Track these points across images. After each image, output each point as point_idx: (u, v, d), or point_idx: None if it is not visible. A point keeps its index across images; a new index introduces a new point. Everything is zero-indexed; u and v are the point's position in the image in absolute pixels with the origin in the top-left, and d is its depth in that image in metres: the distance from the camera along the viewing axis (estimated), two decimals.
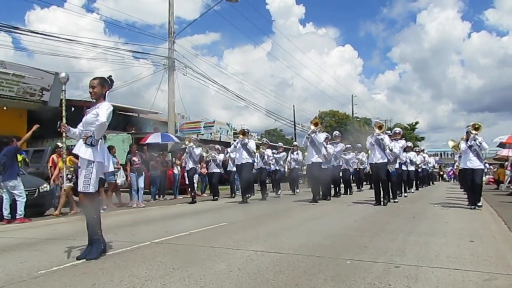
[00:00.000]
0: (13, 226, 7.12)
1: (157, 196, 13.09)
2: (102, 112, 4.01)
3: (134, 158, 10.64)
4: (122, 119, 27.63)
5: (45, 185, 8.74)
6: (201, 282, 3.02)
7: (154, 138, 16.77)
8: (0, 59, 15.32)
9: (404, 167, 12.11)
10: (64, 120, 4.51)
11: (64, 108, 4.64)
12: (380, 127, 9.40)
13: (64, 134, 4.32)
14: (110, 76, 4.32)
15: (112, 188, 10.43)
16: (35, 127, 7.67)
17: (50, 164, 9.30)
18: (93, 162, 3.99)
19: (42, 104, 16.49)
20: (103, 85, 4.18)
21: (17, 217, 7.51)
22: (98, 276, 3.27)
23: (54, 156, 9.35)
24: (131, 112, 28.42)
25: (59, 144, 9.76)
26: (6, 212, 7.54)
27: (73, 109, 23.26)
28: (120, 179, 10.33)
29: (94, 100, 4.24)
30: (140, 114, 28.66)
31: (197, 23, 52.43)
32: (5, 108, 15.15)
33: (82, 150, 4.00)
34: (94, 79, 4.20)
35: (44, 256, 4.15)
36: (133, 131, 23.34)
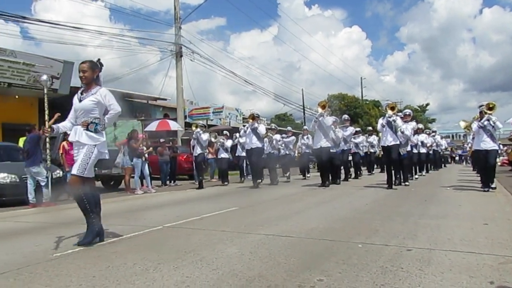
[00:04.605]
0: (27, 210, 7.28)
1: (168, 182, 13.20)
2: (113, 101, 3.97)
3: (134, 145, 10.57)
4: (131, 106, 27.74)
5: (57, 171, 8.87)
6: (213, 265, 3.04)
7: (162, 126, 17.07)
8: (10, 49, 15.38)
9: (415, 150, 12.01)
10: (47, 124, 4.38)
11: (47, 107, 4.46)
12: (392, 108, 9.23)
13: (48, 135, 4.22)
14: (99, 59, 4.21)
15: (130, 173, 10.55)
16: (56, 115, 7.82)
17: (61, 151, 9.41)
18: (95, 147, 3.92)
19: (52, 92, 16.54)
20: (93, 68, 4.05)
21: (43, 201, 7.82)
22: (112, 259, 3.31)
23: (64, 143, 9.44)
24: (140, 99, 28.49)
25: (68, 132, 9.91)
26: (31, 197, 7.87)
27: None
28: (120, 159, 10.39)
29: (85, 85, 4.07)
30: (149, 101, 28.71)
31: (201, 8, 52.01)
32: (16, 97, 15.25)
33: (84, 138, 3.90)
34: (84, 63, 4.06)
35: (59, 239, 4.20)
36: (142, 118, 23.45)
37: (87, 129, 3.90)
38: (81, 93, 4.04)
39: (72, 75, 17.52)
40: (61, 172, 8.94)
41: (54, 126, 4.26)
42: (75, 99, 4.06)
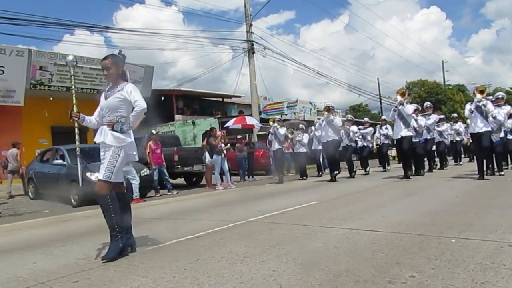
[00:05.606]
0: None
1: (246, 177, 13.49)
2: (138, 97, 3.58)
3: (214, 142, 10.89)
4: (207, 105, 28.88)
5: (145, 169, 9.50)
6: (298, 259, 3.04)
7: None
8: (98, 58, 16.79)
9: (510, 136, 10.96)
10: (75, 109, 3.97)
11: (74, 94, 4.18)
12: (481, 92, 8.50)
13: (76, 124, 3.86)
14: (120, 51, 3.88)
15: (211, 170, 11.00)
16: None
17: (148, 150, 10.06)
18: (121, 149, 3.59)
19: None
20: (117, 63, 3.70)
21: (134, 198, 8.38)
22: (200, 253, 3.46)
23: (150, 142, 10.08)
24: (215, 97, 29.50)
25: (153, 131, 10.68)
26: None
27: (163, 98, 24.83)
28: (207, 159, 10.83)
29: (111, 82, 3.76)
30: (224, 99, 29.60)
31: (270, 3, 52.13)
32: None
33: (109, 139, 3.56)
34: (105, 59, 3.73)
35: (150, 234, 4.48)
36: (219, 116, 24.26)
37: (113, 129, 3.57)
38: (108, 90, 3.75)
39: (152, 78, 18.75)
40: (147, 170, 9.56)
41: (83, 115, 3.82)
42: (102, 97, 3.76)
